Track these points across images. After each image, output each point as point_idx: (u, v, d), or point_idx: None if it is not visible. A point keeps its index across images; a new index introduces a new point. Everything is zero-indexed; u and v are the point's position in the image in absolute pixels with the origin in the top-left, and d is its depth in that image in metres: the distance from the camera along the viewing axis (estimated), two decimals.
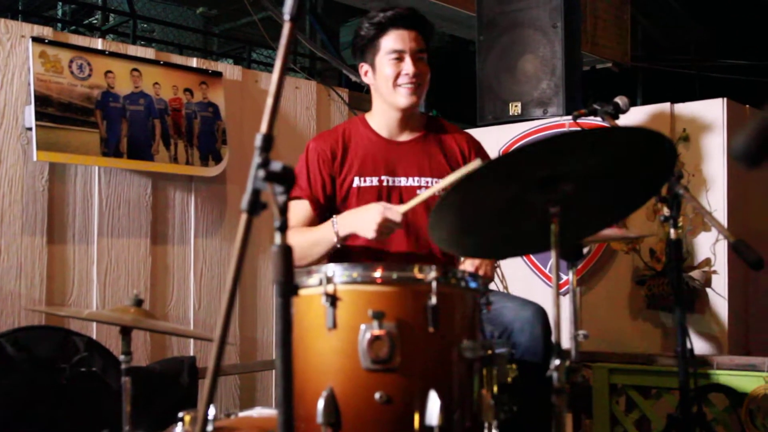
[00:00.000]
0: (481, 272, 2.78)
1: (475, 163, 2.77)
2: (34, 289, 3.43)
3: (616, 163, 1.95)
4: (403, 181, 3.01)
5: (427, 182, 3.02)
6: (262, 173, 1.43)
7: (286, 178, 1.44)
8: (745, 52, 7.38)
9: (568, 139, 1.98)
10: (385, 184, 3.00)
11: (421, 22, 3.04)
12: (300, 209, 2.98)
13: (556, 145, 1.90)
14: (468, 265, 2.80)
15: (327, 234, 2.84)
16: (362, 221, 2.75)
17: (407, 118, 3.08)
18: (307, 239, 2.87)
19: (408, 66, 2.97)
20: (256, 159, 1.44)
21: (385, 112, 3.08)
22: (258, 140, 1.45)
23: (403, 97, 2.99)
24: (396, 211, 2.71)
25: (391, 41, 2.99)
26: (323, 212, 3.00)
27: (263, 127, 1.46)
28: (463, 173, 2.71)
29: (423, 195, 2.79)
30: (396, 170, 3.02)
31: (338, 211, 2.97)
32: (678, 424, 2.72)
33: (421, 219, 2.93)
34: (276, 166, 1.44)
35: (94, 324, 3.52)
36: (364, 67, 3.10)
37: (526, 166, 1.93)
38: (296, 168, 3.04)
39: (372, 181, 2.99)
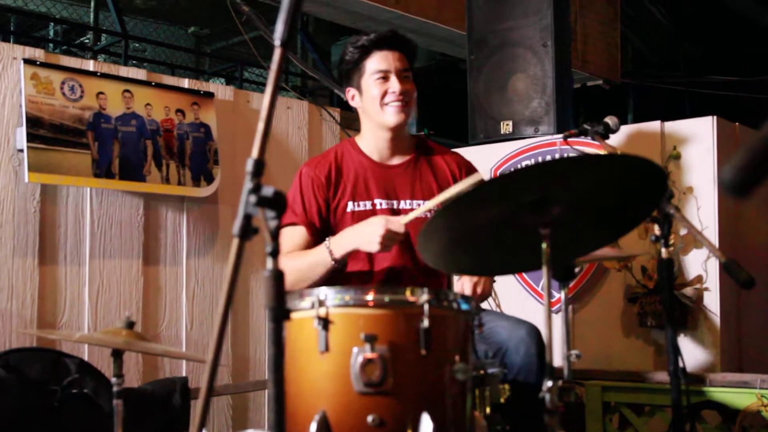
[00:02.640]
0: (479, 289, 2.78)
1: (476, 177, 2.80)
2: (26, 310, 3.42)
3: (606, 187, 1.96)
4: (395, 205, 3.02)
5: (419, 204, 3.02)
6: (253, 198, 1.44)
7: (277, 203, 1.45)
8: (735, 68, 7.42)
9: (558, 164, 1.99)
10: (378, 207, 3.01)
11: (404, 42, 3.09)
12: (296, 235, 2.98)
13: (548, 170, 1.91)
14: (466, 280, 2.80)
15: (322, 256, 2.85)
16: (363, 235, 2.76)
17: (397, 140, 3.09)
18: (305, 262, 2.88)
19: (394, 84, 2.99)
20: (248, 184, 1.44)
21: (375, 134, 3.09)
22: (249, 165, 1.45)
23: (391, 116, 3.01)
24: (398, 222, 2.72)
25: (376, 62, 3.02)
26: (319, 237, 3.00)
27: (254, 153, 1.47)
28: (466, 186, 2.72)
29: (424, 207, 2.82)
30: (389, 194, 3.04)
31: (334, 235, 2.98)
32: None
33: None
34: (267, 191, 1.44)
35: (86, 345, 3.51)
36: (350, 91, 3.13)
37: (517, 188, 1.94)
38: (290, 194, 3.05)
39: (366, 205, 3.01)
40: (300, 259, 2.90)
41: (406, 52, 3.08)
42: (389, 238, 2.71)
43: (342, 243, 2.83)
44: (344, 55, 3.10)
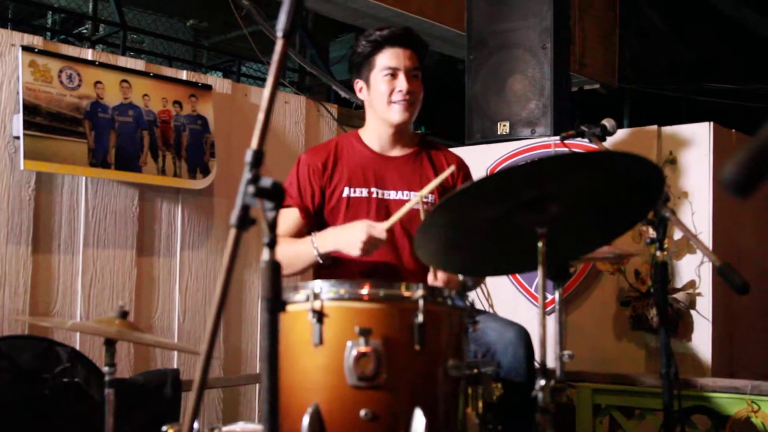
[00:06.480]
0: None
1: (450, 170, 2.89)
2: (18, 298, 3.41)
3: (603, 187, 1.97)
4: (392, 195, 3.05)
5: (413, 196, 3.04)
6: (251, 189, 1.43)
7: (275, 195, 1.44)
8: (732, 76, 7.43)
9: (555, 161, 2.00)
10: (374, 195, 3.03)
11: (416, 41, 3.10)
12: (290, 217, 3.02)
13: (544, 167, 1.91)
14: (440, 275, 2.79)
15: (307, 249, 2.89)
16: (346, 239, 2.79)
17: (399, 134, 3.12)
18: (290, 251, 2.90)
19: (402, 83, 3.01)
20: (246, 174, 1.44)
21: (378, 127, 3.12)
22: (248, 156, 1.45)
23: (396, 114, 3.03)
24: (380, 229, 2.74)
25: (386, 58, 3.03)
26: (313, 221, 3.05)
27: (254, 143, 1.46)
28: (440, 179, 2.79)
29: (403, 209, 2.82)
30: (385, 183, 3.06)
31: (327, 221, 3.02)
32: None
33: (403, 238, 2.98)
34: (266, 182, 1.43)
35: (78, 334, 3.50)
36: (359, 84, 3.14)
37: (515, 186, 1.94)
38: (287, 179, 3.10)
39: (362, 192, 3.03)
40: (287, 245, 2.92)
41: (418, 50, 3.09)
42: (371, 244, 2.74)
43: (326, 241, 2.87)
44: (356, 47, 3.13)
